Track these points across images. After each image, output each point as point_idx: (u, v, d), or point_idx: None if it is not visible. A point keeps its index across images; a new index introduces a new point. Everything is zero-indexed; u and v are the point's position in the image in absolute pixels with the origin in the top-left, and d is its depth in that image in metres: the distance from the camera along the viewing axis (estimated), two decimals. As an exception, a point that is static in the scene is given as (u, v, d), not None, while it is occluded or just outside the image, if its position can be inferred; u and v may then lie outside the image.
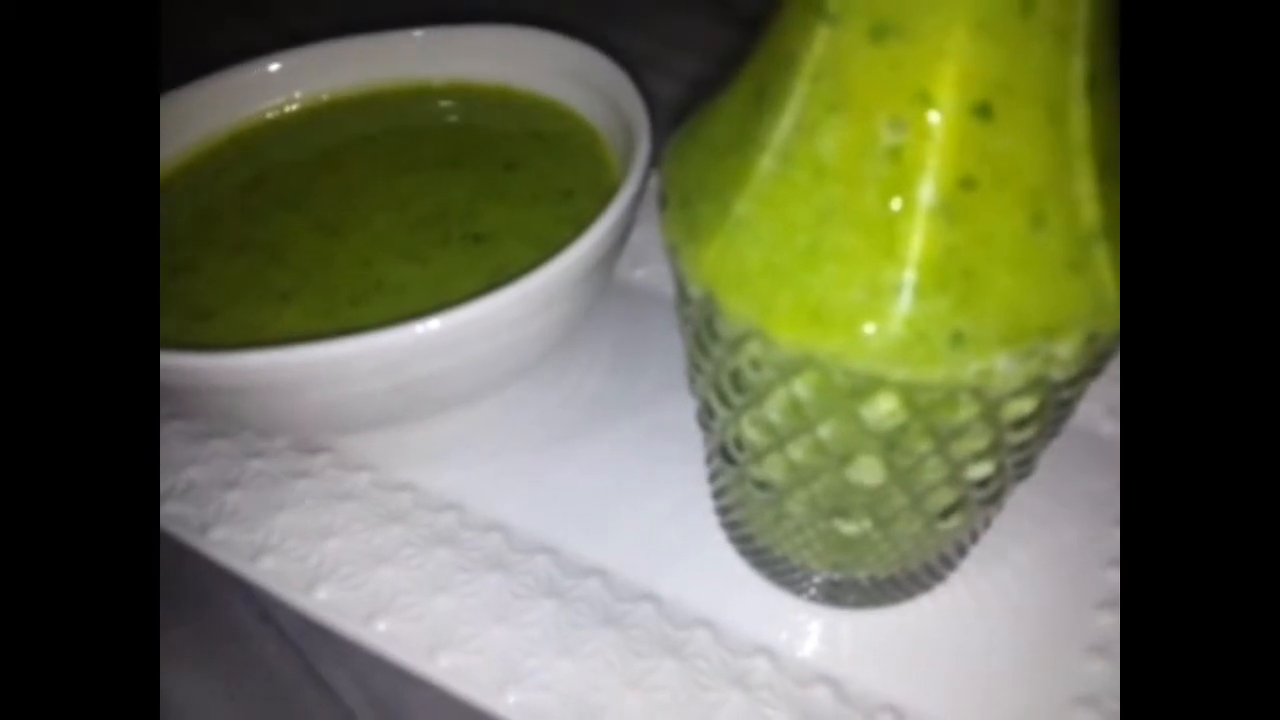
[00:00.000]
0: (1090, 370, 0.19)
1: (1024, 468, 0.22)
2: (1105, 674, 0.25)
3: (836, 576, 0.26)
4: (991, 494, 0.22)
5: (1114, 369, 0.24)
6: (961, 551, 0.27)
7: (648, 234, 0.35)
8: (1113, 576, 0.28)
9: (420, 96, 0.37)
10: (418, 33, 0.37)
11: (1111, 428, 0.32)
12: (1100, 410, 0.32)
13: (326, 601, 0.28)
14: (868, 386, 0.18)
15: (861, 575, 0.26)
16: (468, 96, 0.37)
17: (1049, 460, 0.24)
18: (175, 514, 0.30)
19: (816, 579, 0.27)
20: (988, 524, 0.27)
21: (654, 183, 0.22)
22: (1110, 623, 0.27)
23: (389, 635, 0.27)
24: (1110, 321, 0.17)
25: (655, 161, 0.23)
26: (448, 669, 0.26)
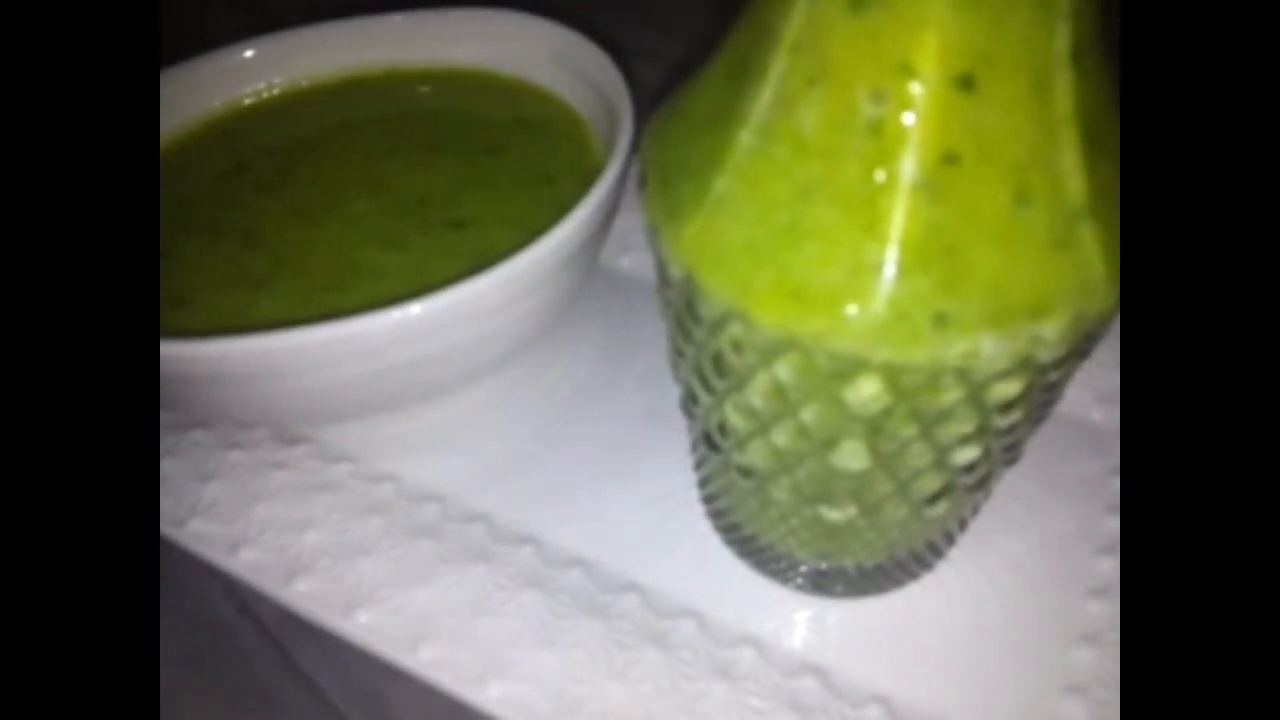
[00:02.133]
0: (1077, 352, 0.18)
1: (1011, 453, 0.22)
2: (1095, 662, 0.25)
3: (823, 565, 0.26)
4: (979, 479, 0.22)
5: (1104, 355, 0.24)
6: (950, 539, 0.26)
7: (633, 221, 0.35)
8: (1103, 565, 0.27)
9: (400, 81, 0.36)
10: (398, 17, 0.36)
11: (1102, 415, 0.31)
12: (1090, 397, 0.31)
13: (307, 593, 0.28)
14: (850, 369, 0.17)
15: (848, 564, 0.26)
16: (448, 81, 0.36)
17: (1039, 447, 0.24)
18: (152, 506, 0.30)
19: (803, 568, 0.26)
20: (976, 511, 0.26)
21: (637, 167, 0.21)
22: (1100, 611, 0.26)
23: (370, 627, 0.27)
24: (1098, 301, 0.17)
25: (639, 147, 0.23)
26: (429, 661, 0.26)
